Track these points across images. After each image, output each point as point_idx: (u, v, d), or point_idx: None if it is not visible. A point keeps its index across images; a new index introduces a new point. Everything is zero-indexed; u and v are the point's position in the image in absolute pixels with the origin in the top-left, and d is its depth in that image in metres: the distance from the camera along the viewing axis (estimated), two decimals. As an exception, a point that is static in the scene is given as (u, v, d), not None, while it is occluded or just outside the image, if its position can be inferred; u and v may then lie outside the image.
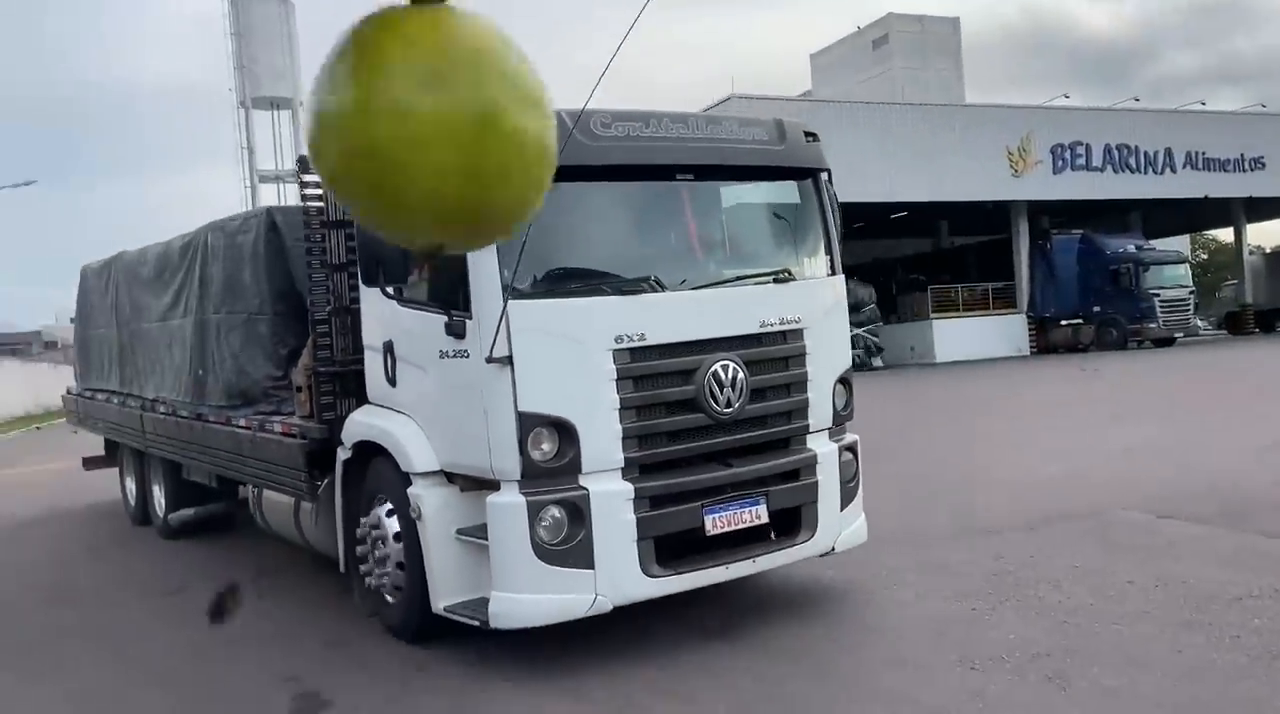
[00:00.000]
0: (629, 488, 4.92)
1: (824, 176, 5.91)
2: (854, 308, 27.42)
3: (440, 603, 5.12)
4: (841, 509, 5.70)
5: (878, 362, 28.87)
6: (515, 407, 4.76)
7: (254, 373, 7.04)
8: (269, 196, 38.98)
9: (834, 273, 5.95)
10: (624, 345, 4.93)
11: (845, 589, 6.01)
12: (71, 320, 13.20)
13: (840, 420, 5.82)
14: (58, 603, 7.29)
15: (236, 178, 37.43)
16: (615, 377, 4.91)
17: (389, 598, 5.61)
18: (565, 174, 4.54)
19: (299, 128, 34.46)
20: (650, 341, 5.00)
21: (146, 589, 7.47)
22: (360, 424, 5.76)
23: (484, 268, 4.81)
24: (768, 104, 25.96)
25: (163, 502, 9.28)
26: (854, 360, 6.22)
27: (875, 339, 29.12)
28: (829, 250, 5.93)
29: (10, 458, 19.07)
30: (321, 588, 6.70)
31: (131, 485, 10.39)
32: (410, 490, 5.26)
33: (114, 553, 9.10)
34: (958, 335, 30.60)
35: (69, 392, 12.40)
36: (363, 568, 5.73)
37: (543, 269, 4.98)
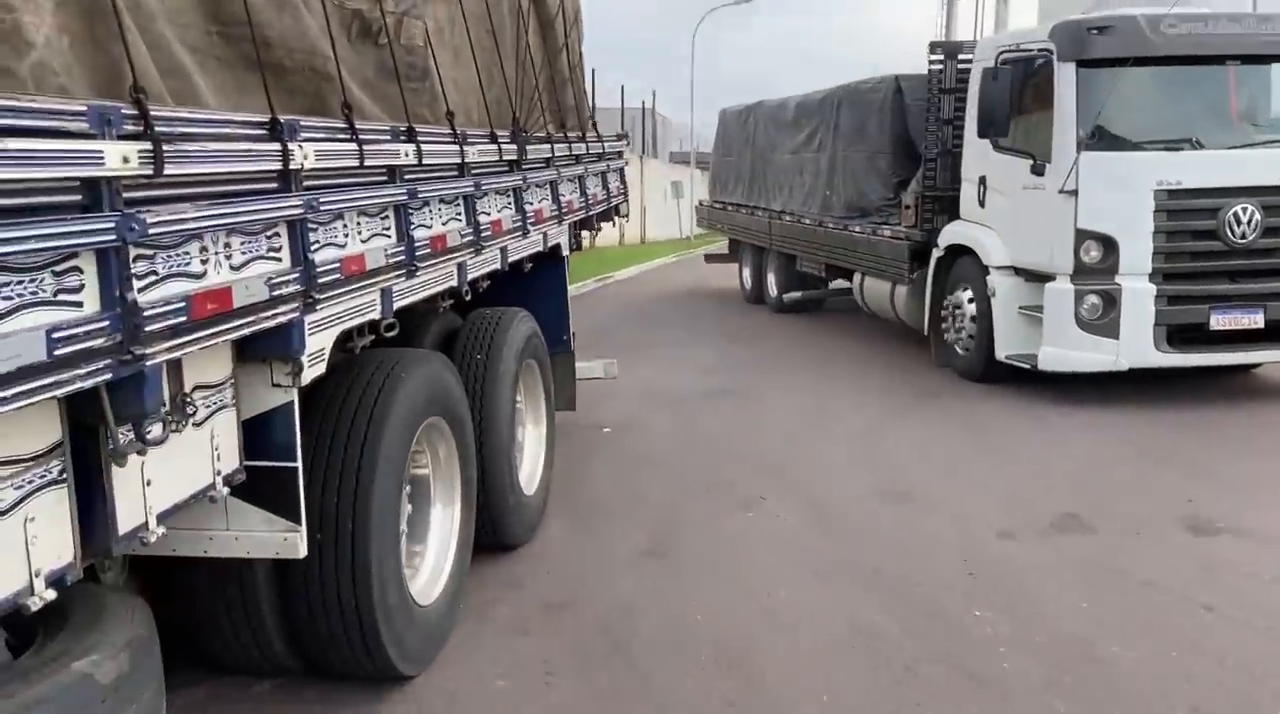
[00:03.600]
0: (1153, 288, 7.06)
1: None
2: None
3: (1002, 352, 7.77)
4: (1328, 328, 7.26)
5: None
6: (1075, 225, 7.09)
7: (871, 194, 10.00)
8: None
9: (1353, 140, 7.27)
10: (1163, 187, 6.96)
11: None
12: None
13: (1342, 260, 7.28)
14: (724, 321, 11.15)
15: (926, 8, 37.55)
16: (1153, 210, 6.98)
17: (960, 351, 8.37)
18: (1135, 62, 6.95)
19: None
20: (1184, 186, 6.96)
21: (779, 330, 11.07)
22: (955, 232, 8.44)
23: (1065, 127, 7.10)
24: None
25: (776, 286, 12.93)
26: None
27: None
28: (1351, 122, 7.25)
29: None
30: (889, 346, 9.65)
31: (748, 275, 14.28)
32: (989, 278, 7.86)
33: (747, 315, 12.99)
34: None
35: (701, 203, 16.71)
36: (944, 332, 8.55)
37: (1110, 130, 7.11)
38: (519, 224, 4.68)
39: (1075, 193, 7.07)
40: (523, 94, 5.12)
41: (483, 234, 4.09)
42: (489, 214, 4.27)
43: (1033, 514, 5.09)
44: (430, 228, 3.57)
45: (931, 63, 8.69)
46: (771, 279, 13.13)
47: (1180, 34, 6.93)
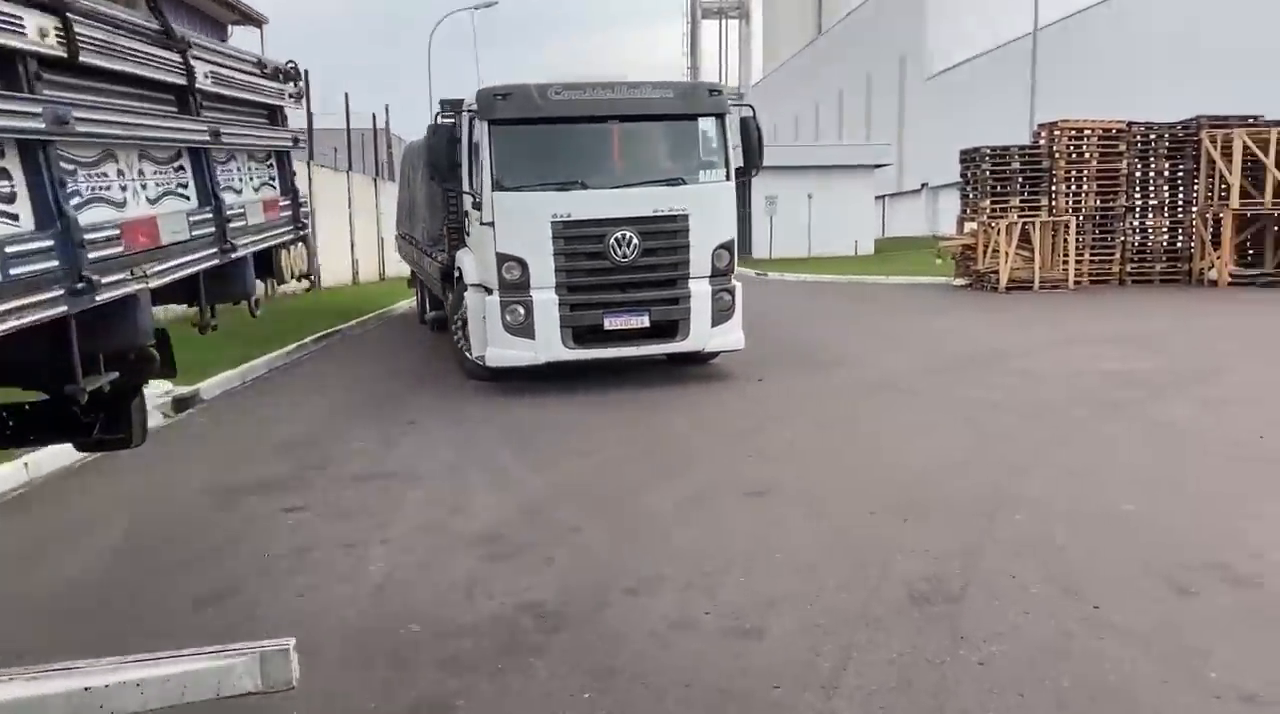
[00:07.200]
0: (557, 298, 8.92)
1: (725, 118, 9.20)
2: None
3: (473, 354, 9.54)
4: (713, 326, 9.25)
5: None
6: (495, 249, 8.91)
7: (436, 227, 11.75)
8: (710, 31, 39.91)
9: (728, 179, 9.30)
10: (558, 219, 8.83)
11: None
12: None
13: (719, 273, 9.28)
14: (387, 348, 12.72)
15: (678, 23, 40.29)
16: (552, 236, 8.85)
17: (466, 353, 10.14)
18: (530, 122, 9.02)
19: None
20: (575, 218, 8.85)
21: (410, 344, 12.71)
22: (457, 258, 10.22)
23: (485, 172, 8.92)
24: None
25: (428, 307, 14.61)
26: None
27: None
28: (725, 164, 9.29)
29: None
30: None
31: (416, 297, 15.94)
32: (465, 294, 9.65)
33: (413, 333, 14.60)
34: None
35: (396, 235, 18.33)
36: (457, 339, 10.31)
37: (517, 175, 8.96)
38: None
39: (493, 224, 8.89)
40: None
41: None
42: None
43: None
44: None
45: (443, 117, 10.48)
46: (428, 302, 14.81)
47: (563, 99, 8.85)
